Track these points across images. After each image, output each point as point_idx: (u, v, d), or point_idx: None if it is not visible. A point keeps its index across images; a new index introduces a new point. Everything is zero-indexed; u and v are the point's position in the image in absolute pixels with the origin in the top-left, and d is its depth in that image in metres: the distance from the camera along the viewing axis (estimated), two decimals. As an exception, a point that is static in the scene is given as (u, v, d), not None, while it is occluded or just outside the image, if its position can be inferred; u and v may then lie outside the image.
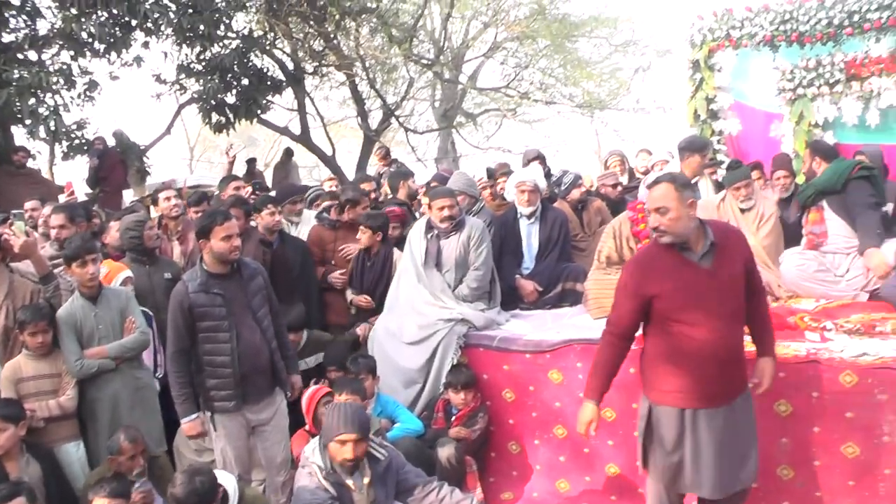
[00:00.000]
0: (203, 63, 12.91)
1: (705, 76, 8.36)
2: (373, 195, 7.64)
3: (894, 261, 5.27)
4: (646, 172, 8.25)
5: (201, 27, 12.04)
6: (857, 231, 5.54)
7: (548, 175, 7.69)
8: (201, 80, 12.82)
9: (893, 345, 4.49)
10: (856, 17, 7.53)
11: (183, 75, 13.19)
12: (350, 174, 15.19)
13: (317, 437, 4.27)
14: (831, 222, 5.71)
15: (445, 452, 5.10)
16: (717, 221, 4.23)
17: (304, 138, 15.75)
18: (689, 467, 3.79)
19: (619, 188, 7.87)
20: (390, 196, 7.98)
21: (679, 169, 6.35)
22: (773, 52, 8.06)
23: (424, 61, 17.76)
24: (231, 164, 9.59)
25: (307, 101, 15.85)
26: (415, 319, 5.68)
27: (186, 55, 12.97)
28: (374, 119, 17.85)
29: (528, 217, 6.56)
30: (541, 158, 8.25)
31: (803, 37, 7.84)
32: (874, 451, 4.20)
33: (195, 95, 13.19)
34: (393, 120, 17.23)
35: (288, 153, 14.84)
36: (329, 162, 15.88)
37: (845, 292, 5.54)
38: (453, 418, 5.37)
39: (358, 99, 16.43)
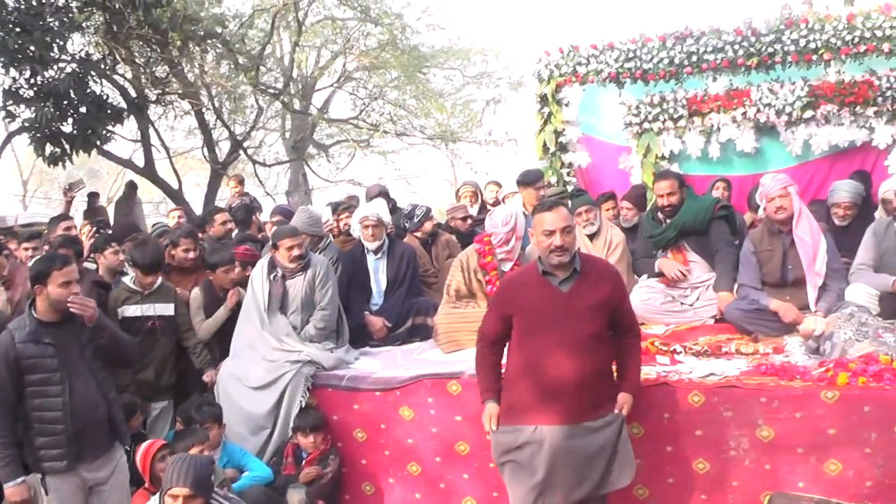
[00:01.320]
0: (35, 88, 12.01)
1: (553, 110, 8.63)
2: (228, 226, 7.57)
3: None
4: (495, 204, 8.44)
5: (31, 48, 11.32)
6: (716, 268, 6.02)
7: (394, 209, 7.76)
8: (33, 108, 11.89)
9: (737, 364, 4.88)
10: (694, 58, 7.96)
11: (11, 101, 12.09)
12: (198, 208, 14.79)
13: (156, 496, 4.11)
14: (693, 262, 6.15)
15: (296, 498, 5.03)
16: (593, 255, 4.55)
17: (149, 171, 15.12)
18: (542, 483, 3.98)
19: (469, 221, 7.99)
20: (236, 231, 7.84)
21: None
22: (619, 87, 8.40)
23: (272, 90, 17.43)
24: (69, 203, 9.15)
25: (151, 130, 15.23)
26: (260, 364, 5.59)
27: (14, 79, 12.01)
28: (223, 150, 17.42)
29: (375, 252, 6.59)
30: (384, 194, 8.28)
31: (647, 74, 8.20)
32: (723, 465, 4.46)
33: (26, 124, 12.06)
34: (241, 151, 16.88)
35: (132, 186, 13.73)
36: (175, 196, 15.26)
37: (693, 320, 5.96)
38: (303, 463, 5.30)
39: (204, 129, 15.82)
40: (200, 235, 7.15)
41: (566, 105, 8.65)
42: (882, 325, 4.71)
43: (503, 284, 4.37)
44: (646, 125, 8.22)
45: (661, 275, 6.20)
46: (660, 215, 6.24)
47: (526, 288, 4.10)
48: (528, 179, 7.05)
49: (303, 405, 5.43)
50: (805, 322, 5.04)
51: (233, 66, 14.88)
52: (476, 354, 4.37)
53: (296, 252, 5.74)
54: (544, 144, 8.75)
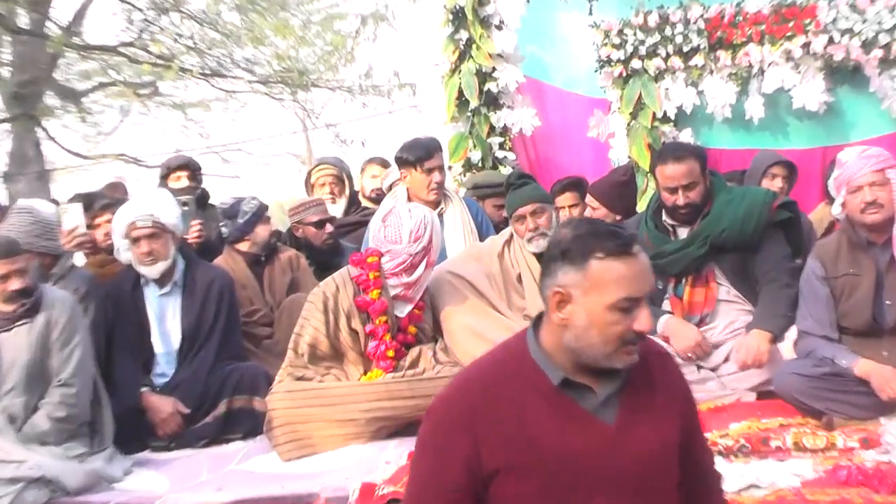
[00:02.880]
0: None
1: (476, 35, 8.74)
2: None
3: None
4: (377, 197, 8.39)
5: None
6: (759, 307, 6.06)
7: (203, 205, 7.74)
8: None
9: (797, 468, 4.87)
10: (718, -53, 8.21)
11: None
12: None
13: None
14: (725, 301, 6.21)
15: None
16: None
17: None
18: None
19: (329, 226, 7.82)
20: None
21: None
22: (590, -1, 8.57)
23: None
24: None
25: None
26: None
27: None
28: None
29: (159, 283, 6.57)
30: (192, 169, 8.26)
31: (638, -26, 8.41)
32: None
33: None
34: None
35: None
36: None
37: (720, 395, 5.95)
38: None
39: None
40: None
41: (498, 27, 8.78)
42: None
43: (458, 407, 3.28)
44: (635, 64, 8.40)
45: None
46: (668, 221, 6.28)
47: (520, 414, 3.15)
48: (415, 156, 7.09)
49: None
50: None
51: None
52: None
53: (14, 285, 5.67)
54: (459, 96, 8.87)
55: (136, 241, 6.48)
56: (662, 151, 6.39)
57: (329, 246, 7.70)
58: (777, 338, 5.90)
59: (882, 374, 5.31)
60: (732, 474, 4.78)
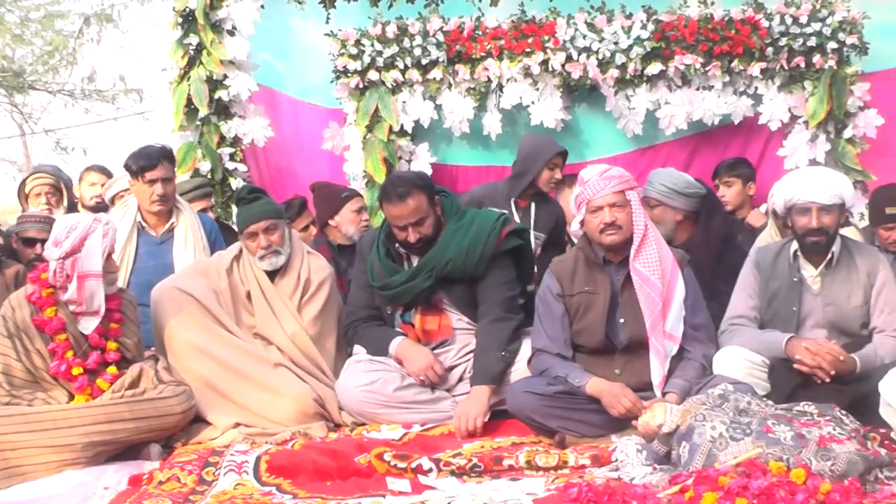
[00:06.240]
0: None
1: (206, 40, 8.65)
2: None
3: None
4: (98, 205, 8.18)
5: None
6: (476, 351, 6.15)
7: None
8: None
9: (529, 486, 4.95)
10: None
11: None
12: None
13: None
14: (458, 329, 6.31)
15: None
16: None
17: None
18: None
19: (37, 248, 7.56)
20: None
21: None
22: (327, 7, 8.61)
23: None
24: None
25: None
26: None
27: None
28: None
29: None
30: None
31: (375, -18, 8.43)
32: None
33: None
34: None
35: None
36: None
37: (453, 416, 5.97)
38: None
39: None
40: None
41: (230, 33, 8.73)
42: (773, 412, 4.89)
43: None
44: (372, 75, 8.43)
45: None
46: (400, 248, 6.27)
47: None
48: (138, 165, 6.92)
49: None
50: (646, 413, 5.20)
51: None
52: None
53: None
54: (188, 103, 8.75)
55: None
56: (386, 188, 6.28)
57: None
58: (496, 381, 5.97)
59: (612, 391, 5.44)
60: (465, 494, 4.82)
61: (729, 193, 7.81)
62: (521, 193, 7.36)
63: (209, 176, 8.70)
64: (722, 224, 6.86)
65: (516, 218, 7.19)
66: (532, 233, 7.21)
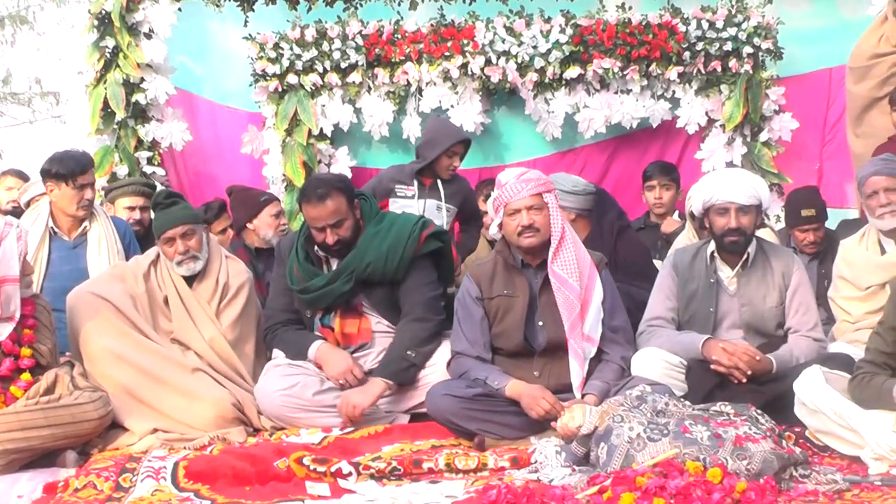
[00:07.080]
0: None
1: (123, 43, 8.60)
2: None
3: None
4: (15, 210, 8.12)
5: None
6: (388, 347, 6.18)
7: None
8: None
9: (448, 489, 4.97)
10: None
11: None
12: None
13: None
14: (378, 333, 6.30)
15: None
16: None
17: None
18: None
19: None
20: None
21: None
22: (245, 9, 8.60)
23: None
24: None
25: None
26: None
27: None
28: None
29: None
30: None
31: (293, -15, 8.43)
32: None
33: None
34: None
35: None
36: None
37: (374, 417, 6.02)
38: None
39: None
40: None
41: (147, 36, 8.68)
42: (690, 412, 4.95)
43: None
44: (291, 79, 8.44)
45: None
46: (319, 251, 6.26)
47: None
48: (68, 169, 6.81)
49: None
50: (565, 414, 5.23)
51: None
52: None
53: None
54: (104, 107, 8.69)
55: None
56: (306, 189, 6.31)
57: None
58: (397, 378, 6.02)
59: (531, 393, 5.46)
60: (384, 498, 4.81)
61: (667, 196, 7.88)
62: (425, 173, 7.42)
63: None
64: (616, 218, 6.95)
65: (420, 193, 7.35)
66: (444, 206, 7.36)
